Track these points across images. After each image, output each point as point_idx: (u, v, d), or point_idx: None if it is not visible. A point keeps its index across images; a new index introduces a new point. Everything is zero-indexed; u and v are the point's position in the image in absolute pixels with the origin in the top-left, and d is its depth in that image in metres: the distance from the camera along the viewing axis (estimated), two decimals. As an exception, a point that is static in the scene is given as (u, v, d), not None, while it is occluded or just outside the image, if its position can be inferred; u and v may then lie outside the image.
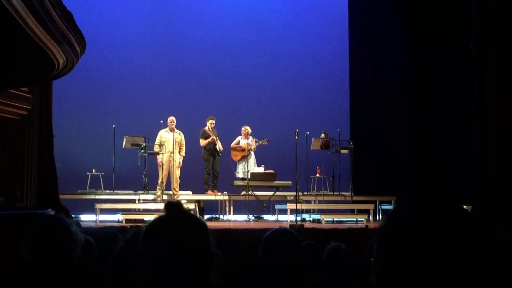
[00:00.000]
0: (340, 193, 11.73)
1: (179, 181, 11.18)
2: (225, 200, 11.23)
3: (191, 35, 13.86)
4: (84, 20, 6.32)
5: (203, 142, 11.48)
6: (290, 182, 11.00)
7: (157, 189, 10.96)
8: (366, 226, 9.00)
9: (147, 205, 10.68)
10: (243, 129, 11.73)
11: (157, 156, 11.14)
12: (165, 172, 11.04)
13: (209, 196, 11.41)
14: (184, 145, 11.34)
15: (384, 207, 11.27)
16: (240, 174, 11.61)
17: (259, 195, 11.22)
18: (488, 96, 8.15)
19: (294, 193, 10.56)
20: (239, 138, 11.77)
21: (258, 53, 14.02)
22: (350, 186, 11.53)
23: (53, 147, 8.84)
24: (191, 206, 10.30)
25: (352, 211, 11.50)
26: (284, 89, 14.07)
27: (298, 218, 10.02)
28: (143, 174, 11.25)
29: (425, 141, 11.59)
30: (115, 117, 12.54)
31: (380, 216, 11.02)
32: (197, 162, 11.67)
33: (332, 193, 11.68)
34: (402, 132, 12.40)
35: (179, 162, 11.21)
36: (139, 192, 11.17)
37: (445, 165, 10.57)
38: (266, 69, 14.05)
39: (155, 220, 1.57)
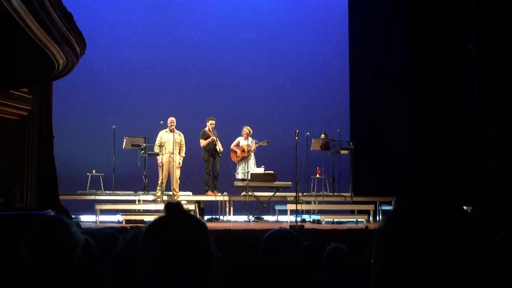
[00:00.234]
0: (340, 193, 11.73)
1: (179, 181, 11.18)
2: (225, 201, 11.23)
3: (191, 35, 13.86)
4: (84, 21, 6.33)
5: (203, 142, 11.48)
6: (290, 182, 11.00)
7: (157, 190, 10.96)
8: (366, 226, 9.00)
9: (147, 206, 10.67)
10: (245, 129, 11.71)
11: (157, 157, 11.14)
12: (165, 173, 11.04)
13: (209, 197, 11.41)
14: (184, 146, 11.34)
15: (384, 207, 11.26)
16: (240, 175, 11.61)
17: (259, 196, 11.21)
18: (488, 96, 8.15)
19: (294, 194, 10.56)
20: (239, 139, 11.77)
21: (258, 53, 14.01)
22: (350, 187, 11.53)
23: (53, 147, 8.86)
24: (191, 206, 10.29)
25: (352, 212, 11.51)
26: (284, 90, 14.06)
27: (298, 219, 10.02)
28: (143, 175, 11.25)
29: (425, 141, 11.58)
30: (115, 118, 12.53)
31: (380, 217, 11.01)
32: (197, 163, 11.67)
33: (332, 193, 11.68)
34: (402, 132, 12.39)
35: (179, 163, 11.21)
36: (139, 192, 11.17)
37: (445, 165, 10.56)
38: (266, 69, 14.05)
39: (155, 221, 1.57)
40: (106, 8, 13.62)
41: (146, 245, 1.52)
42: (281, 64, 14.12)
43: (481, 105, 8.27)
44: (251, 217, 10.82)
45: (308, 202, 11.44)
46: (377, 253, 1.04)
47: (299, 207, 10.18)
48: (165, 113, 11.66)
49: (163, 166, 11.02)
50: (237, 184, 11.38)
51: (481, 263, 0.99)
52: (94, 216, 10.11)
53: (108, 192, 11.24)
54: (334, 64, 14.08)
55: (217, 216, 11.25)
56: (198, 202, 11.13)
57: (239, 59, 13.93)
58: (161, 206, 9.60)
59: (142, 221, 9.06)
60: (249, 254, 3.21)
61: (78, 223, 7.53)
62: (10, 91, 7.19)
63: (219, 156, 11.60)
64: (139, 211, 10.55)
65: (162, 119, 11.30)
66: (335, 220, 10.70)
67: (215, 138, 11.45)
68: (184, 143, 11.34)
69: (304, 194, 11.49)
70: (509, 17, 8.03)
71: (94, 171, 11.52)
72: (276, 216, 11.38)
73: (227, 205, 11.14)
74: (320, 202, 11.38)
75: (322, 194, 11.54)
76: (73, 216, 9.08)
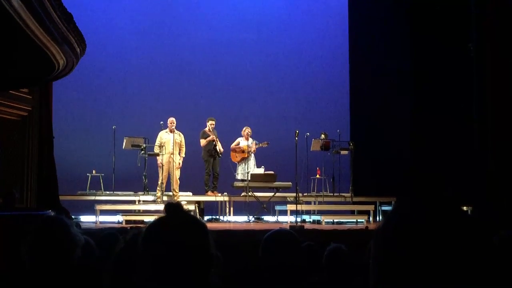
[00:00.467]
0: (340, 194, 11.73)
1: (179, 182, 11.19)
2: (225, 201, 11.23)
3: (191, 36, 13.86)
4: (84, 21, 6.33)
5: (203, 142, 11.48)
6: (290, 183, 11.00)
7: (157, 190, 10.96)
8: (366, 227, 9.00)
9: (147, 206, 10.67)
10: (247, 130, 11.70)
11: (157, 157, 11.15)
12: (165, 173, 11.05)
13: (209, 197, 11.41)
14: (184, 146, 11.34)
15: (384, 208, 11.26)
16: (240, 176, 11.61)
17: (259, 196, 11.21)
18: (488, 96, 8.15)
19: (294, 194, 10.56)
20: (239, 139, 11.76)
21: (258, 53, 14.02)
22: (350, 187, 11.53)
23: (53, 148, 8.85)
24: (191, 207, 10.29)
25: (352, 212, 11.50)
26: (284, 90, 14.07)
27: (298, 219, 10.02)
28: (143, 175, 11.25)
29: (425, 141, 11.58)
30: (115, 118, 12.54)
31: (380, 217, 11.01)
32: (197, 163, 11.67)
33: (332, 194, 11.68)
34: (402, 132, 12.39)
35: (179, 163, 11.22)
36: (139, 193, 11.17)
37: (445, 165, 10.56)
38: (266, 69, 14.05)
39: (155, 221, 1.57)
40: (106, 8, 13.63)
41: (146, 245, 1.52)
42: (281, 64, 14.12)
43: (481, 105, 8.27)
44: (251, 218, 10.82)
45: (308, 203, 11.44)
46: (376, 253, 1.04)
47: (299, 207, 10.18)
48: (165, 113, 11.66)
49: (163, 167, 11.03)
50: (237, 185, 11.38)
51: (481, 263, 0.99)
52: (94, 216, 10.11)
53: (108, 192, 11.24)
54: (334, 64, 14.08)
55: (217, 217, 11.25)
56: (198, 202, 11.13)
57: (239, 59, 13.93)
58: (161, 207, 9.60)
59: (142, 222, 9.06)
60: (249, 255, 3.22)
61: (78, 224, 7.53)
62: (10, 91, 7.19)
63: (219, 157, 11.59)
64: (139, 211, 10.55)
65: (162, 119, 11.30)
66: (335, 220, 10.70)
67: (214, 138, 11.45)
68: (184, 144, 11.35)
69: (304, 194, 11.48)
70: (509, 17, 8.03)
71: (94, 171, 11.52)
72: (276, 216, 11.39)
73: (227, 206, 11.14)
74: (320, 203, 11.38)
75: (322, 194, 11.54)
76: (73, 216, 9.07)
